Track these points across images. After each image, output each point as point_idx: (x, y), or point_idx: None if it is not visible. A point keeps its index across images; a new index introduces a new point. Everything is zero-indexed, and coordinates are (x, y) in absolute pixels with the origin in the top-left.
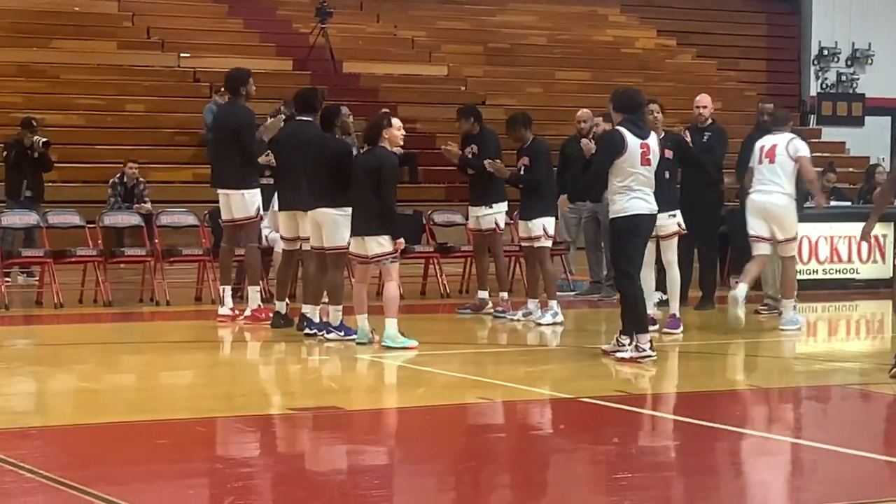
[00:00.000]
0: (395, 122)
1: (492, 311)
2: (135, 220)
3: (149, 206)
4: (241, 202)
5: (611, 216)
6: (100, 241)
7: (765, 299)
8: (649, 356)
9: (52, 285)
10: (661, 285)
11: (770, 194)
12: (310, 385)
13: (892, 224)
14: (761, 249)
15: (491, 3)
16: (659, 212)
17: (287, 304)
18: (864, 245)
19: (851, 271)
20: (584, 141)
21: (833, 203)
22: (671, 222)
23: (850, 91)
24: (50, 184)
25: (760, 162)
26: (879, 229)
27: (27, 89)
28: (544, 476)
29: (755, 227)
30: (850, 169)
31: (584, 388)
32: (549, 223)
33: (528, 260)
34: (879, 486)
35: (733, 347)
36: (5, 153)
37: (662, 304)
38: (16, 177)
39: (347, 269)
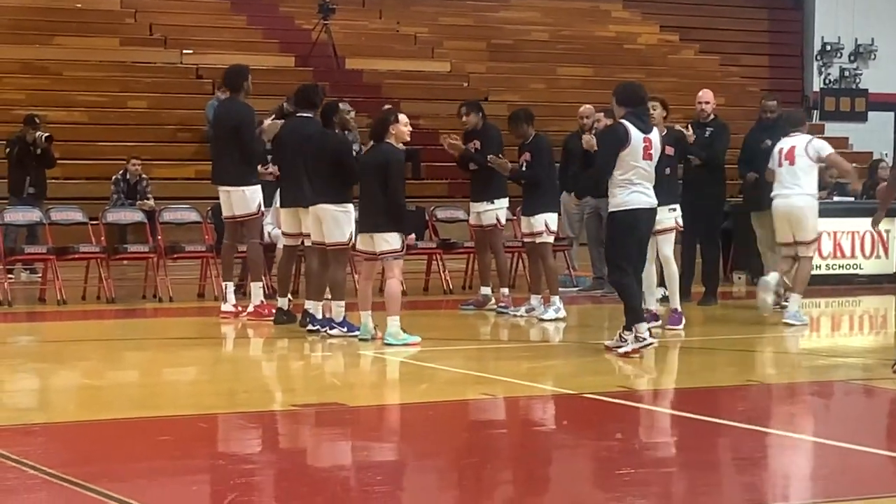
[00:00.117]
0: (402, 118)
1: (494, 307)
2: (137, 216)
3: (151, 202)
4: (242, 199)
5: (610, 209)
6: (103, 238)
7: None
8: (649, 343)
9: (55, 282)
10: (663, 280)
11: (790, 197)
12: (312, 381)
13: None
14: (788, 252)
15: None
16: (658, 206)
17: (290, 301)
18: (868, 240)
19: (855, 267)
20: (585, 136)
21: (836, 199)
22: (669, 216)
23: (853, 86)
24: (53, 180)
25: (780, 164)
26: (883, 225)
27: (30, 86)
28: (547, 472)
29: (781, 233)
30: (853, 164)
31: (586, 383)
32: (550, 219)
33: (531, 256)
34: (882, 482)
35: (736, 343)
36: (8, 150)
37: (665, 300)
38: (19, 173)
39: (350, 264)
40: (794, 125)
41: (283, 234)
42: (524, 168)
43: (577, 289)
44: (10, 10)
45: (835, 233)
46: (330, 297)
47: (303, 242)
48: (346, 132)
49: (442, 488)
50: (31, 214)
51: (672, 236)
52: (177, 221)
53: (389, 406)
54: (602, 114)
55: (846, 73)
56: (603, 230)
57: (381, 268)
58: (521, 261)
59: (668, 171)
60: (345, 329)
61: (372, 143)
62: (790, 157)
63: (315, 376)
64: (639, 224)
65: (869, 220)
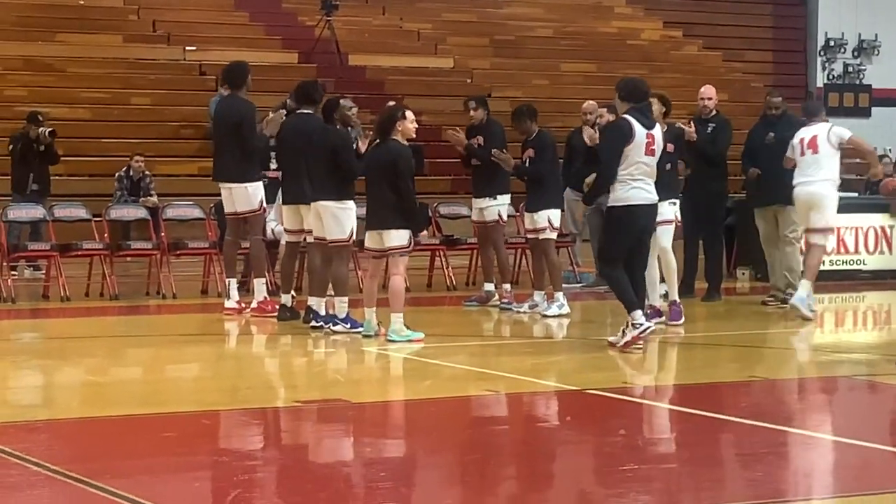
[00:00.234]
0: (409, 114)
1: (497, 303)
2: (141, 213)
3: (155, 199)
4: (244, 195)
5: (609, 203)
6: (106, 235)
7: (771, 290)
8: (647, 328)
9: (58, 279)
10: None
11: (812, 184)
12: (316, 378)
13: None
14: (816, 238)
15: None
16: (658, 200)
17: (293, 297)
18: (871, 236)
19: (858, 262)
20: (588, 130)
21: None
22: (669, 210)
23: (857, 82)
24: (56, 177)
25: (803, 154)
26: (886, 220)
27: (32, 83)
28: (550, 468)
29: (802, 224)
30: (857, 160)
31: (590, 379)
32: (554, 215)
33: (534, 252)
34: (886, 478)
35: (740, 339)
36: (11, 147)
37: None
38: (22, 170)
39: (354, 261)
40: (812, 115)
41: (286, 230)
42: (527, 164)
43: (580, 285)
44: (13, 6)
45: (838, 228)
46: (333, 293)
47: (305, 239)
48: (349, 128)
49: (445, 485)
50: (35, 211)
51: (671, 228)
52: (180, 218)
53: (393, 402)
54: (605, 109)
55: (850, 69)
56: None
57: (386, 264)
58: (524, 257)
59: (668, 166)
60: (348, 325)
61: (378, 139)
62: (812, 145)
63: (318, 373)
64: (637, 220)
65: (872, 217)
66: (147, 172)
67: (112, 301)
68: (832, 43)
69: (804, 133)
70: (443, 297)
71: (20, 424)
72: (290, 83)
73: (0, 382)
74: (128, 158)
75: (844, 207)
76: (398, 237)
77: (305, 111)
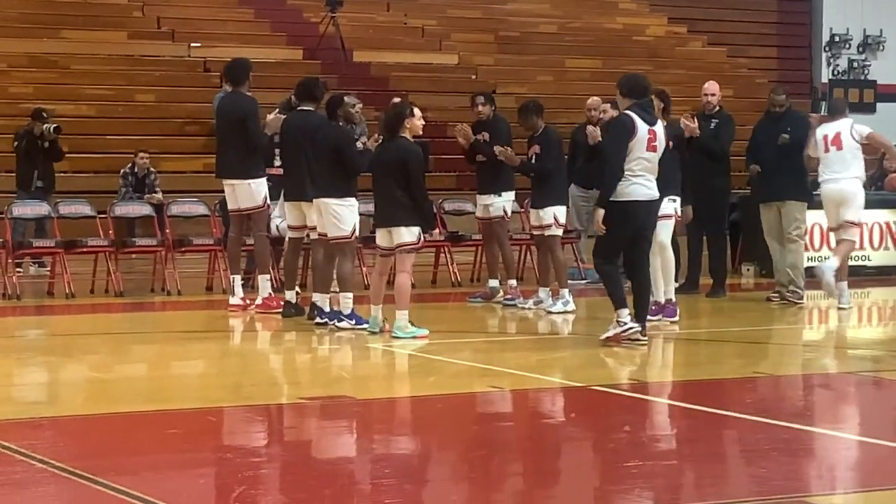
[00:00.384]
0: (417, 111)
1: (502, 299)
2: (146, 210)
3: (160, 196)
4: (248, 192)
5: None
6: (111, 232)
7: (776, 286)
8: (630, 328)
9: (63, 275)
10: None
11: (840, 181)
12: (320, 374)
13: None
14: (844, 233)
15: None
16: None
17: (297, 294)
18: (876, 232)
19: (863, 258)
20: (589, 128)
21: None
22: (668, 206)
23: (862, 78)
24: (61, 174)
25: (827, 150)
26: (890, 216)
27: (37, 80)
28: (555, 464)
29: (832, 219)
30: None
31: (594, 376)
32: (559, 212)
33: (540, 248)
34: (892, 474)
35: (744, 335)
36: (16, 143)
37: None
38: (27, 167)
39: (359, 257)
40: (835, 112)
41: (288, 226)
42: (533, 160)
43: (585, 281)
44: (17, 3)
45: None
46: (337, 289)
47: (308, 235)
48: (353, 126)
49: (450, 481)
50: (40, 208)
51: (670, 224)
52: (185, 215)
53: (397, 399)
54: (609, 105)
55: (854, 65)
56: None
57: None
58: (529, 253)
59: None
60: (353, 322)
61: (386, 136)
62: (837, 142)
63: (323, 369)
64: (635, 216)
65: (876, 212)
66: (152, 169)
67: (117, 298)
68: (837, 38)
69: (827, 130)
70: (447, 294)
71: (25, 421)
72: (294, 79)
73: (5, 379)
74: (132, 155)
75: None
76: (408, 234)
77: (306, 108)
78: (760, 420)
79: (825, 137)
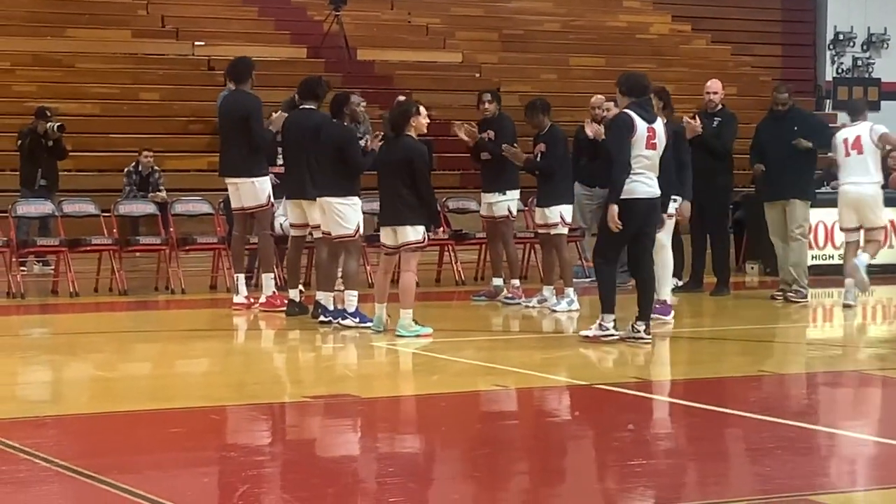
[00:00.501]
0: (422, 109)
1: (503, 298)
2: (150, 208)
3: (164, 194)
4: (252, 190)
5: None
6: (115, 230)
7: (780, 285)
8: (610, 335)
9: (67, 274)
10: (676, 271)
11: (860, 185)
12: (324, 373)
13: None
14: (852, 237)
15: None
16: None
17: (301, 292)
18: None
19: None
20: (592, 125)
21: None
22: (669, 205)
23: (866, 76)
24: (65, 172)
25: (847, 154)
26: (894, 214)
27: (42, 78)
28: (559, 463)
29: (846, 220)
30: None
31: (598, 374)
32: (566, 210)
33: (545, 247)
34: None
35: (749, 333)
36: (20, 142)
37: (677, 290)
38: (30, 166)
39: (363, 256)
40: (855, 114)
41: (290, 225)
42: (539, 159)
43: (589, 280)
44: (22, 2)
45: None
46: (342, 287)
47: (310, 233)
48: (357, 124)
49: (454, 479)
50: (44, 207)
51: (670, 224)
52: (189, 213)
53: (401, 397)
54: (612, 104)
55: (859, 63)
56: None
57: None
58: (532, 252)
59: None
60: (357, 320)
61: (391, 135)
62: (857, 146)
63: (327, 368)
64: (636, 214)
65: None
66: (156, 167)
67: (121, 296)
68: (841, 37)
69: (847, 133)
70: (451, 293)
71: (29, 420)
72: (298, 78)
73: (9, 378)
74: (136, 154)
75: None
76: (413, 233)
77: (308, 106)
78: (764, 418)
79: (845, 141)
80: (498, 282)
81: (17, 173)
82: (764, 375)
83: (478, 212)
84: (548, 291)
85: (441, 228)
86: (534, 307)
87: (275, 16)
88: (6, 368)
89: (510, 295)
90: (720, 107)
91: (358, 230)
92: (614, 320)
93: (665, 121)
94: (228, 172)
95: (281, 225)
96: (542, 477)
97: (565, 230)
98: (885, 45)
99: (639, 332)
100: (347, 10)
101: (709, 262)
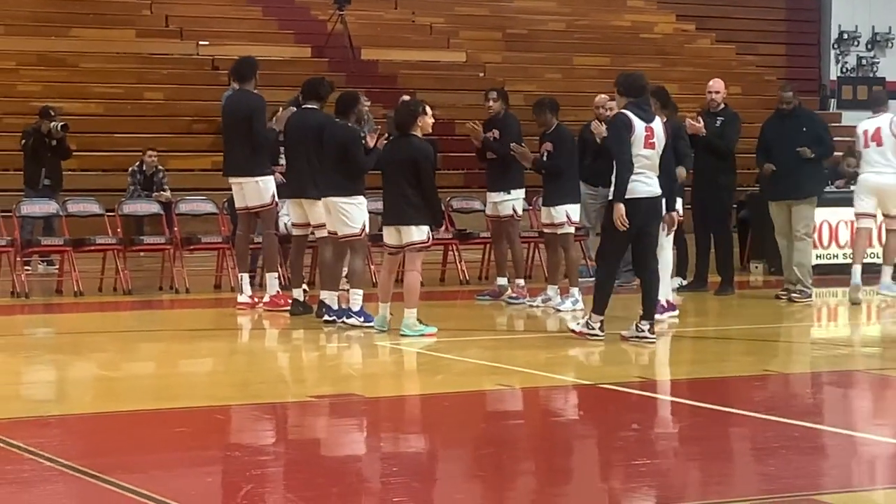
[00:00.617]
0: (428, 109)
1: (506, 297)
2: (154, 208)
3: (168, 194)
4: (256, 189)
5: (610, 197)
6: (119, 230)
7: (785, 284)
8: (596, 335)
9: (71, 274)
10: (681, 270)
11: (882, 175)
12: (328, 372)
13: None
14: (865, 223)
15: None
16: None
17: (305, 292)
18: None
19: (871, 256)
20: (594, 124)
21: (853, 188)
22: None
23: (871, 75)
24: (69, 172)
25: (867, 145)
26: None
27: (46, 78)
28: (563, 462)
29: (864, 205)
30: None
31: (603, 373)
32: (572, 210)
33: (550, 246)
34: None
35: (753, 333)
36: (23, 142)
37: (682, 289)
38: (34, 165)
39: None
40: (877, 105)
41: (292, 224)
42: (545, 158)
43: (593, 279)
44: (27, 2)
45: (851, 222)
46: (347, 287)
47: (313, 233)
48: (362, 124)
49: (458, 479)
50: (48, 206)
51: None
52: (193, 213)
53: (405, 397)
54: (615, 103)
55: (863, 62)
56: None
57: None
58: (536, 251)
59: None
60: (361, 319)
61: (398, 134)
62: (877, 138)
63: (331, 367)
64: (637, 213)
65: None
66: (160, 167)
67: (125, 296)
68: (846, 36)
69: (868, 125)
70: (455, 292)
71: (33, 419)
72: (302, 77)
73: (13, 377)
74: (141, 153)
75: None
76: (418, 233)
77: (310, 106)
78: (769, 418)
79: (865, 133)
80: (502, 281)
81: (21, 173)
82: (768, 375)
83: (482, 211)
84: (552, 291)
85: (443, 227)
86: (538, 307)
87: (279, 15)
88: (10, 368)
89: (514, 294)
90: (723, 106)
91: (364, 229)
92: (601, 321)
93: (665, 120)
94: (232, 172)
95: (286, 224)
96: (546, 477)
97: (572, 229)
98: (890, 45)
99: (643, 331)
100: (351, 9)
101: (713, 261)
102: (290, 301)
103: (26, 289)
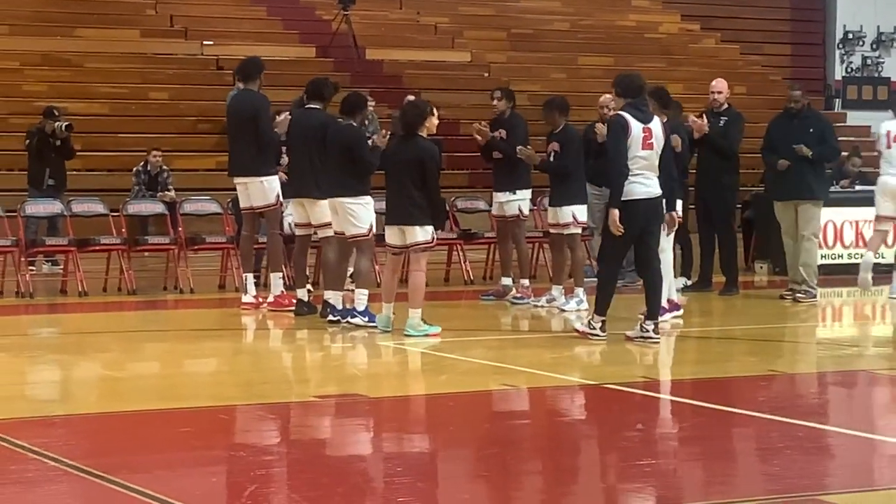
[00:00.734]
0: (434, 110)
1: (511, 297)
2: (158, 208)
3: (172, 194)
4: (260, 189)
5: (609, 199)
6: (123, 230)
7: (789, 284)
8: (597, 335)
9: (76, 274)
10: (685, 270)
11: None
12: (333, 372)
13: None
14: (884, 226)
15: None
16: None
17: (310, 292)
18: (890, 230)
19: (877, 256)
20: (598, 125)
21: (858, 187)
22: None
23: (875, 75)
24: (74, 172)
25: (889, 146)
26: None
27: (51, 78)
28: (567, 462)
29: (884, 208)
30: (876, 153)
31: (607, 373)
32: (578, 211)
33: (555, 246)
34: None
35: (758, 333)
36: (27, 142)
37: (686, 289)
38: (38, 165)
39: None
40: None
41: (295, 224)
42: (552, 158)
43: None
44: (31, 1)
45: (857, 222)
46: (351, 287)
47: (315, 232)
48: (366, 124)
49: (463, 479)
50: (53, 206)
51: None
52: (197, 213)
53: (410, 397)
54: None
55: (868, 62)
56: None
57: (405, 260)
58: (542, 251)
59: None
60: (366, 318)
61: (404, 135)
62: None
63: (335, 367)
64: (637, 215)
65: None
66: (164, 167)
67: (129, 296)
68: (850, 36)
69: (890, 126)
70: (460, 292)
71: (38, 419)
72: (307, 77)
73: (18, 377)
74: (145, 153)
75: (862, 200)
76: (422, 233)
77: (312, 106)
78: (773, 418)
79: (888, 133)
80: (507, 281)
81: (25, 173)
82: (773, 375)
83: (486, 211)
84: (557, 291)
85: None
86: (542, 307)
87: (283, 15)
88: (15, 368)
89: (519, 294)
90: (726, 106)
91: (371, 229)
92: (603, 321)
93: (665, 119)
94: (237, 172)
95: (290, 224)
96: (550, 477)
97: (578, 230)
98: (895, 44)
99: (648, 331)
100: (356, 9)
101: (717, 261)
102: (294, 301)
103: (31, 289)
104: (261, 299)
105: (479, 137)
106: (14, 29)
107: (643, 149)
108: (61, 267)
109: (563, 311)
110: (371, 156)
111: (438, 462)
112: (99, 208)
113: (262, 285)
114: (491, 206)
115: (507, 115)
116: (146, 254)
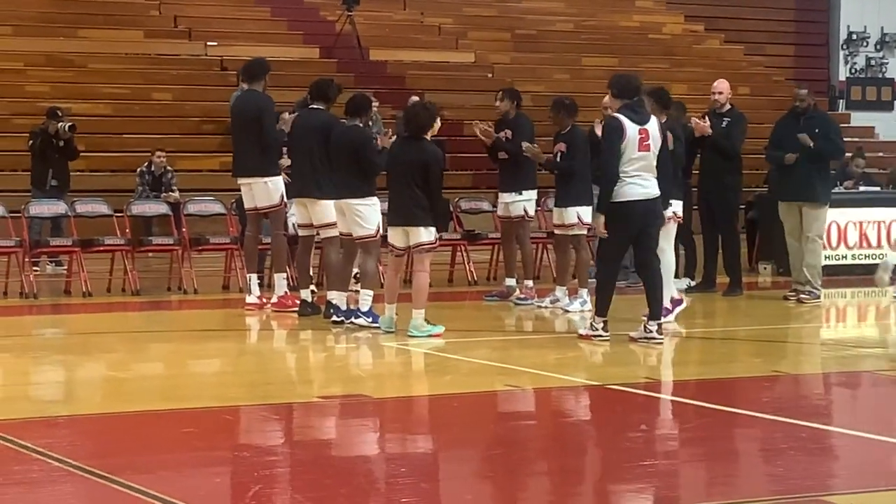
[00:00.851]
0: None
1: (514, 298)
2: (162, 208)
3: (176, 194)
4: (264, 190)
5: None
6: (127, 230)
7: (793, 285)
8: (601, 336)
9: (80, 274)
10: (689, 271)
11: None
12: (336, 373)
13: None
14: None
15: None
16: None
17: (313, 292)
18: (894, 230)
19: (881, 257)
20: (595, 122)
21: (862, 188)
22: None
23: (879, 75)
24: (77, 173)
25: None
26: None
27: (54, 78)
28: (571, 463)
29: None
30: (880, 154)
31: (611, 374)
32: (583, 212)
33: (559, 247)
34: None
35: (761, 334)
36: (31, 142)
37: (690, 290)
38: (41, 166)
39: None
40: None
41: (298, 225)
42: (558, 158)
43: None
44: (35, 2)
45: (861, 223)
46: (355, 288)
47: (318, 233)
48: (370, 125)
49: (467, 479)
50: (56, 207)
51: (671, 227)
52: (201, 213)
53: (414, 398)
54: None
55: (872, 63)
56: None
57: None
58: (545, 252)
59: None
60: (370, 319)
61: (410, 136)
62: None
63: (339, 368)
64: (634, 216)
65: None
66: (168, 168)
67: (133, 296)
68: (854, 36)
69: None
70: (464, 293)
71: (42, 420)
72: (310, 78)
73: (22, 378)
74: (149, 154)
75: (867, 201)
76: (426, 234)
77: (315, 106)
78: (777, 419)
79: None
80: (511, 282)
81: (29, 173)
82: (777, 376)
83: (490, 212)
84: (560, 292)
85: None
86: (546, 307)
87: (287, 16)
88: (19, 368)
89: (523, 295)
90: (729, 107)
91: (378, 230)
92: (604, 322)
93: (664, 120)
94: (241, 173)
95: (293, 225)
96: (555, 477)
97: (584, 231)
98: None
99: (651, 332)
100: (360, 10)
101: (721, 262)
102: (298, 302)
103: (35, 289)
104: (264, 300)
105: (483, 138)
106: (18, 30)
107: (640, 150)
108: (65, 267)
109: (567, 311)
110: (378, 157)
111: (442, 463)
112: (103, 209)
113: (266, 286)
114: (495, 206)
115: (513, 115)
116: (150, 254)
